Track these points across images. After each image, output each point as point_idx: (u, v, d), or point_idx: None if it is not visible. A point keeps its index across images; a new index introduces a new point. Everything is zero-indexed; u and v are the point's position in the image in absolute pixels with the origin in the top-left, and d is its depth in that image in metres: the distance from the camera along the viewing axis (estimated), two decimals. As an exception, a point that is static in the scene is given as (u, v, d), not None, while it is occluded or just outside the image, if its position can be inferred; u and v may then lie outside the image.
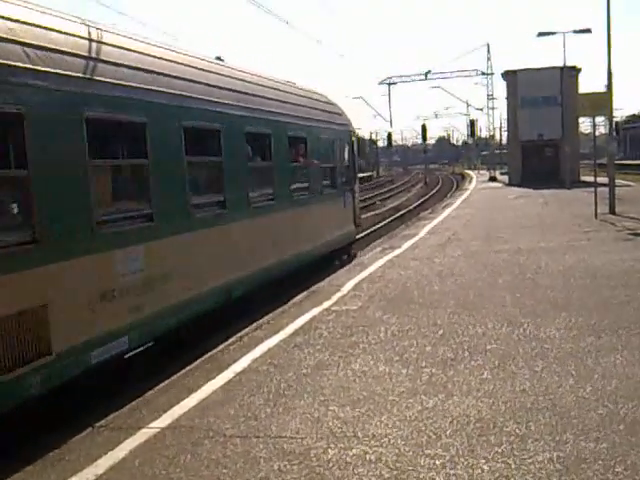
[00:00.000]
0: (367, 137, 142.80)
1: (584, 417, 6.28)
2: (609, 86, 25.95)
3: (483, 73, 72.58)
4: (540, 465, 5.38)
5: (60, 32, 8.24)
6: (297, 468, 5.58)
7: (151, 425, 6.74)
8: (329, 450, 5.91)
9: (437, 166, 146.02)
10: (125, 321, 8.66)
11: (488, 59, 76.52)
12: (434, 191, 61.07)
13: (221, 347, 9.81)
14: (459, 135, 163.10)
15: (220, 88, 12.34)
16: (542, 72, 52.23)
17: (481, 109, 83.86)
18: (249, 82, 14.15)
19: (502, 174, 65.88)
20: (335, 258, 19.26)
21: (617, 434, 5.86)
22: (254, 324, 11.17)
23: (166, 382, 8.24)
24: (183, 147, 10.44)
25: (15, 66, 7.12)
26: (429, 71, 70.73)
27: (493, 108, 79.12)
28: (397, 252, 18.36)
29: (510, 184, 52.25)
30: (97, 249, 8.22)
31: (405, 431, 6.24)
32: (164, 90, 10.07)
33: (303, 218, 15.95)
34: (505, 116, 61.95)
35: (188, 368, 8.84)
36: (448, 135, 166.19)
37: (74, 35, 8.55)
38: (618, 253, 15.79)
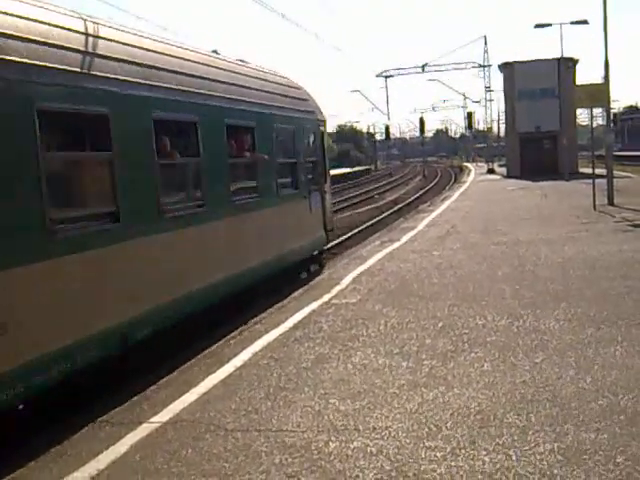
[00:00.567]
0: (365, 130, 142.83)
1: (584, 408, 6.29)
2: (606, 77, 25.94)
3: (480, 65, 72.46)
4: (541, 456, 5.38)
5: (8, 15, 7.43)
6: (298, 461, 5.59)
7: (152, 420, 6.75)
8: (330, 443, 5.92)
9: (435, 159, 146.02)
10: None
11: (485, 51, 76.36)
12: (432, 184, 61.08)
13: (221, 342, 9.82)
14: (457, 128, 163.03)
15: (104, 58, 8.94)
16: (539, 64, 52.16)
17: (478, 101, 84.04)
18: (160, 53, 10.62)
19: (500, 166, 65.87)
20: (301, 270, 16.54)
21: (618, 425, 5.86)
22: (254, 318, 11.18)
23: (167, 377, 8.26)
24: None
25: None
26: (426, 64, 70.59)
27: (490, 100, 79.27)
28: (396, 245, 18.37)
29: (508, 176, 52.23)
30: None
31: (406, 423, 6.24)
32: None
33: (248, 227, 12.70)
34: (503, 108, 62.04)
35: (188, 363, 8.85)
36: (446, 128, 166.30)
37: (26, 18, 7.72)
38: (617, 244, 15.79)
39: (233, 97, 12.51)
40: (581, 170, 49.38)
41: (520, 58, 53.77)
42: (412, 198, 44.76)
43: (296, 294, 13.08)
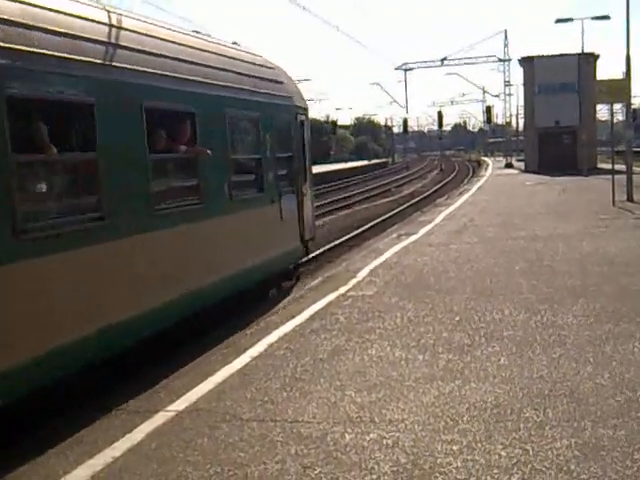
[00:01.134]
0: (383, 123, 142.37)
1: (602, 404, 6.26)
2: (628, 72, 25.76)
3: (500, 59, 72.16)
4: (558, 452, 5.36)
5: None
6: (314, 452, 5.59)
7: (168, 408, 6.76)
8: (346, 435, 5.91)
9: (453, 153, 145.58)
10: None
11: (505, 45, 75.90)
12: (450, 178, 60.89)
13: (238, 332, 9.82)
14: (475, 122, 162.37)
15: None
16: (559, 59, 51.81)
17: (497, 96, 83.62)
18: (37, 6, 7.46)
19: (518, 161, 65.58)
20: (271, 287, 13.61)
21: (635, 421, 5.83)
22: (271, 309, 11.19)
23: (183, 366, 8.26)
24: None
25: None
26: (446, 57, 70.34)
27: (510, 95, 78.78)
28: (413, 238, 18.31)
29: (526, 171, 51.96)
30: None
31: (422, 416, 6.23)
32: None
33: (179, 245, 9.52)
34: (522, 103, 61.70)
35: (205, 352, 8.86)
36: (464, 122, 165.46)
37: None
38: (636, 240, 15.69)
39: (156, 71, 9.17)
40: (600, 166, 49.10)
41: (540, 53, 53.46)
42: (429, 192, 44.62)
43: (313, 285, 13.08)
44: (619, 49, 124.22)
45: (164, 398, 7.10)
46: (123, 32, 8.88)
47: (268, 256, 12.54)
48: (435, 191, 45.16)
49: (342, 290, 11.99)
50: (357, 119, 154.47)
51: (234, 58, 12.33)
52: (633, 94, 24.90)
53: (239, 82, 11.89)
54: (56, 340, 7.01)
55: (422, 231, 19.79)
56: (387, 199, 41.66)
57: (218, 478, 5.28)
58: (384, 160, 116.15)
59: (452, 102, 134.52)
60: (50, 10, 7.61)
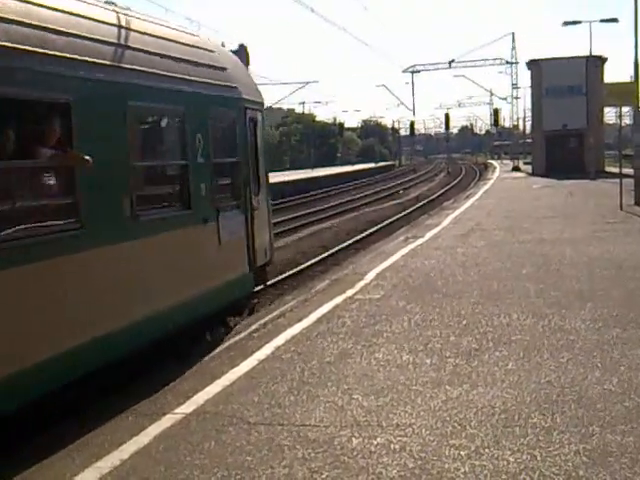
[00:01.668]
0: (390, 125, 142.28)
1: (610, 409, 6.23)
2: (636, 75, 25.71)
3: (507, 62, 72.01)
4: (566, 457, 5.34)
5: None
6: (321, 456, 5.58)
7: (176, 411, 6.76)
8: (353, 439, 5.90)
9: (460, 155, 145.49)
10: None
11: (513, 48, 75.63)
12: (457, 181, 60.83)
13: (244, 334, 9.83)
14: (482, 124, 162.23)
15: None
16: (567, 62, 51.78)
17: (505, 98, 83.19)
18: None
19: (526, 164, 65.49)
20: (213, 327, 10.77)
21: (644, 427, 5.81)
22: (277, 312, 11.19)
23: (190, 369, 8.27)
24: None
25: None
26: (453, 60, 70.21)
27: (517, 97, 78.84)
28: (420, 241, 18.30)
29: (534, 174, 51.90)
30: None
31: (429, 421, 6.21)
32: None
33: (42, 290, 6.82)
34: (529, 106, 61.64)
35: (212, 355, 8.89)
36: (471, 124, 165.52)
37: None
38: (644, 245, 15.64)
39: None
40: (608, 169, 49.01)
41: (548, 56, 53.46)
42: (436, 195, 44.60)
43: (319, 288, 13.07)
44: (627, 52, 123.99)
45: (171, 401, 7.10)
46: None
47: (198, 291, 9.59)
48: (442, 194, 45.13)
49: (349, 293, 11.98)
50: (364, 121, 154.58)
51: (150, 34, 9.39)
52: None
53: (152, 65, 8.95)
54: None
55: (429, 234, 19.77)
56: (394, 202, 41.67)
57: (225, 482, 5.28)
58: (391, 163, 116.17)
59: (459, 105, 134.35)
60: None
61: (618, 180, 24.79)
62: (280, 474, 5.33)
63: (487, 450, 5.54)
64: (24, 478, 5.64)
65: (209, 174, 10.09)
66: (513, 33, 73.31)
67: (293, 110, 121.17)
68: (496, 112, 74.37)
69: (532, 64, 54.33)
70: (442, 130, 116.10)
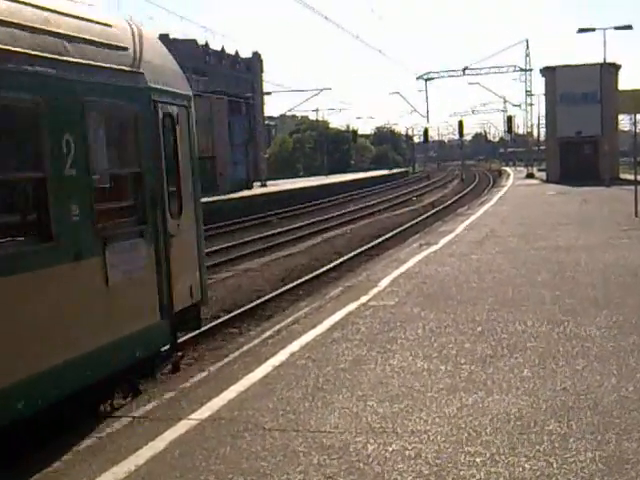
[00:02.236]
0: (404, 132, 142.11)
1: (627, 417, 6.21)
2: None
3: (521, 69, 71.94)
4: (582, 464, 5.32)
5: None
6: (337, 462, 5.58)
7: (191, 417, 6.77)
8: (368, 445, 5.90)
9: (473, 162, 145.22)
10: None
11: (527, 55, 75.61)
12: (470, 187, 60.73)
13: (258, 341, 9.83)
14: (496, 131, 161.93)
15: None
16: (581, 69, 51.62)
17: (519, 105, 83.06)
18: None
19: (540, 171, 65.31)
20: (102, 399, 8.07)
21: (661, 435, 5.78)
22: (291, 318, 11.19)
23: (205, 374, 8.28)
24: None
25: None
26: (467, 67, 70.15)
27: (531, 104, 78.38)
28: (434, 248, 18.27)
29: (548, 181, 51.72)
30: None
31: (445, 428, 6.21)
32: None
33: None
34: (543, 113, 61.51)
35: (226, 360, 8.88)
36: (485, 131, 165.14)
37: None
38: (659, 252, 15.56)
39: None
40: (622, 176, 48.80)
41: (562, 62, 53.29)
42: (450, 201, 44.53)
43: (333, 294, 13.06)
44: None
45: (186, 406, 7.11)
46: None
47: (62, 358, 6.77)
48: (456, 201, 45.05)
49: (363, 300, 11.97)
50: (377, 128, 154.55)
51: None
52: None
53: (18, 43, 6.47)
54: None
55: (443, 241, 19.74)
56: (408, 208, 41.66)
57: (241, 487, 5.29)
58: (404, 169, 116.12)
59: (473, 111, 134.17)
60: None
61: (633, 187, 24.67)
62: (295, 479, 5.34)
63: (503, 457, 5.53)
64: (41, 483, 5.66)
65: (86, 191, 7.30)
66: (527, 40, 73.36)
67: (307, 117, 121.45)
68: (510, 119, 74.21)
69: (546, 71, 54.21)
70: (456, 137, 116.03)
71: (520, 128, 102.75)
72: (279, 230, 30.96)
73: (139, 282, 8.18)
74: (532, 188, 46.11)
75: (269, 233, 30.07)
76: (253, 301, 15.61)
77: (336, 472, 5.42)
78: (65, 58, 7.11)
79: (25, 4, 6.84)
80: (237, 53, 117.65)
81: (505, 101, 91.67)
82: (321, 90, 73.03)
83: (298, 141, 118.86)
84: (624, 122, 71.12)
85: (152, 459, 5.87)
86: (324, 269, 19.56)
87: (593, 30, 43.93)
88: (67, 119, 7.10)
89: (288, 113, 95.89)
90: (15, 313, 6.23)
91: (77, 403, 7.17)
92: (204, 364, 9.11)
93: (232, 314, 14.41)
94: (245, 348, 9.47)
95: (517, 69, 71.92)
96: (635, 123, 28.43)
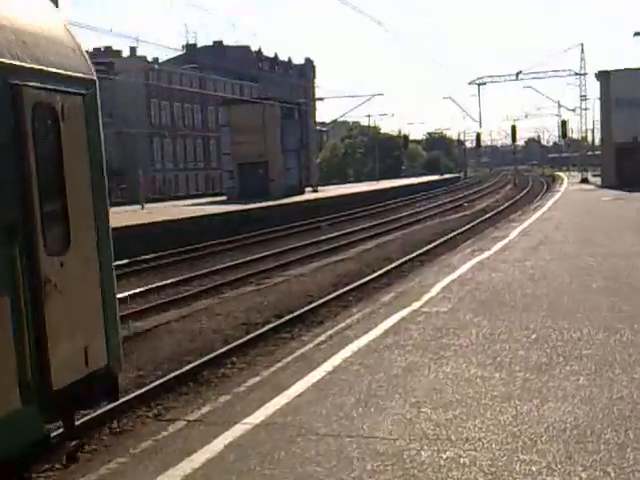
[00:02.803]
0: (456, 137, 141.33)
1: (686, 427, 6.10)
2: None
3: (576, 74, 71.05)
4: (641, 475, 5.24)
5: None
6: (390, 469, 5.57)
7: (245, 421, 6.82)
8: (422, 452, 5.88)
9: (526, 167, 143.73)
10: None
11: (581, 59, 74.65)
12: (523, 193, 60.10)
13: (311, 346, 9.86)
14: (549, 136, 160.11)
15: None
16: (637, 73, 50.82)
17: (573, 110, 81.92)
18: None
19: (594, 176, 64.39)
20: None
21: None
22: (343, 323, 11.20)
23: (258, 379, 8.33)
24: None
25: None
26: (520, 71, 69.48)
27: (586, 109, 77.48)
28: (487, 254, 18.12)
29: (603, 186, 50.98)
30: None
31: (499, 436, 6.16)
32: None
33: None
34: (598, 117, 60.68)
35: (279, 365, 8.92)
36: (538, 136, 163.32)
37: None
38: None
39: None
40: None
41: (618, 67, 52.52)
42: (502, 207, 44.11)
43: (385, 300, 13.03)
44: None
45: (240, 411, 7.16)
46: None
47: None
48: (508, 206, 44.60)
49: (415, 306, 11.93)
50: (429, 134, 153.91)
51: None
52: None
53: None
54: None
55: (496, 247, 19.57)
56: (459, 214, 41.36)
57: (295, 492, 5.31)
58: (456, 175, 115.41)
59: (526, 116, 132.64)
60: None
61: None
62: (349, 486, 5.34)
63: (559, 466, 5.47)
64: (98, 484, 5.74)
65: None
66: (582, 44, 72.43)
67: (358, 123, 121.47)
68: (564, 124, 73.28)
69: (601, 75, 53.48)
70: (508, 142, 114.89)
71: (574, 133, 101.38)
72: (330, 235, 30.99)
73: None
74: (587, 193, 45.49)
75: (320, 238, 30.12)
76: (304, 306, 15.64)
77: (390, 479, 5.41)
78: None
79: None
80: (290, 59, 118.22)
81: (559, 105, 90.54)
82: (373, 96, 72.86)
83: (349, 146, 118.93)
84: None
85: (207, 462, 5.92)
86: (375, 275, 19.51)
87: (650, 33, 43.16)
88: None
89: (340, 119, 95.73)
90: None
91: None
92: (257, 369, 9.16)
93: (283, 319, 14.44)
94: (297, 353, 9.50)
95: (572, 73, 71.06)
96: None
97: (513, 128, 77.67)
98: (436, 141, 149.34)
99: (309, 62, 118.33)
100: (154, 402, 9.71)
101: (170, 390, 10.17)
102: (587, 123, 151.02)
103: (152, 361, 11.86)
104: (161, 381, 10.46)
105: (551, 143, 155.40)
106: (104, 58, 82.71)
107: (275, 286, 19.08)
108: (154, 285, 19.29)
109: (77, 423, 7.00)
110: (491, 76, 73.53)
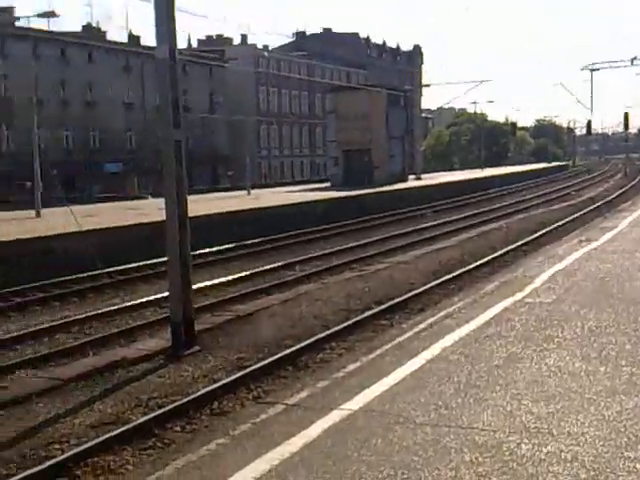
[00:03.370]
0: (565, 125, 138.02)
1: None
2: None
3: (695, 57, 68.19)
4: None
5: None
6: (489, 461, 5.49)
7: (343, 407, 6.83)
8: (522, 445, 5.77)
9: (638, 156, 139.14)
10: None
11: (700, 43, 71.79)
12: (635, 182, 58.24)
13: (411, 334, 9.80)
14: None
15: None
16: None
17: (690, 96, 78.73)
18: None
19: None
20: None
21: None
22: (443, 312, 11.09)
23: (358, 364, 8.33)
24: None
25: None
26: (635, 57, 67.22)
27: (703, 95, 74.28)
28: (594, 244, 17.63)
29: None
30: None
31: (603, 431, 5.99)
32: None
33: None
34: None
35: (378, 352, 8.89)
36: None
37: None
38: None
39: None
40: None
41: None
42: (612, 196, 42.86)
43: (488, 290, 12.84)
44: None
45: (338, 396, 7.18)
46: None
47: None
48: (618, 196, 43.30)
49: (518, 296, 11.70)
50: (537, 121, 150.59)
51: None
52: None
53: None
54: None
55: (604, 237, 19.02)
56: (566, 203, 40.40)
57: (391, 480, 5.30)
58: (564, 163, 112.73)
59: None
60: None
61: None
62: (446, 476, 5.29)
63: (666, 465, 5.29)
64: (198, 465, 5.85)
65: None
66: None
67: (465, 110, 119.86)
68: (679, 110, 70.62)
69: None
70: (620, 130, 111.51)
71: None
72: (432, 223, 30.76)
73: None
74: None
75: (422, 226, 29.92)
76: (405, 293, 15.57)
77: (488, 471, 5.33)
78: None
79: None
80: (398, 46, 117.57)
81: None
82: (481, 82, 71.71)
83: (455, 134, 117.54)
84: None
85: (305, 447, 5.96)
86: (477, 263, 19.25)
87: None
88: None
89: (446, 106, 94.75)
90: None
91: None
92: (356, 354, 9.17)
93: (383, 306, 14.42)
94: (397, 341, 9.46)
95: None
96: None
97: (626, 115, 75.50)
98: (545, 129, 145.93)
99: (417, 49, 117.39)
100: (254, 384, 9.89)
101: (270, 373, 10.34)
102: None
103: (254, 344, 12.06)
104: (261, 364, 10.63)
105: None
106: (216, 46, 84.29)
107: (376, 273, 19.07)
108: (259, 269, 19.62)
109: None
110: (605, 62, 71.46)
